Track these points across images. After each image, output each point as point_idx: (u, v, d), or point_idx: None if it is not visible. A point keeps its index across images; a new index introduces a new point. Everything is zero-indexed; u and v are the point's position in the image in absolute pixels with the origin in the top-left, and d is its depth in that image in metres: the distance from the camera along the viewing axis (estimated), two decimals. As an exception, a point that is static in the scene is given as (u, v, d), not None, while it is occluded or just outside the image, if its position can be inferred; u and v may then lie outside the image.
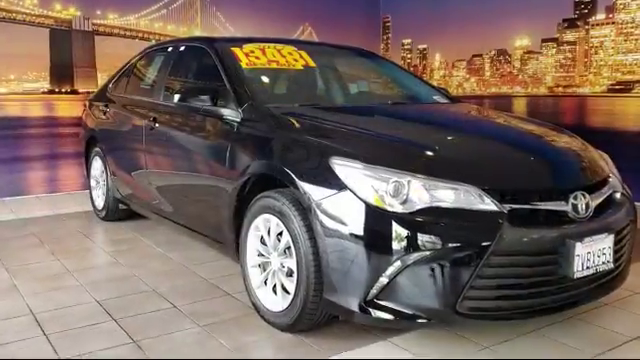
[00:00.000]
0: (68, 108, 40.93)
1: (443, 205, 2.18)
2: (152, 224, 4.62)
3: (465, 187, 2.20)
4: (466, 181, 2.22)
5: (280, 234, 2.60)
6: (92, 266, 3.64)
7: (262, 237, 2.74)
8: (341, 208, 2.27)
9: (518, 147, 2.67)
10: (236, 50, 3.44)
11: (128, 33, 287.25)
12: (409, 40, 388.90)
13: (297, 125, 2.72)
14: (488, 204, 2.19)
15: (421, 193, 2.19)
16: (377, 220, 2.19)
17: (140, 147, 3.92)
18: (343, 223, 2.26)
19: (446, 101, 3.65)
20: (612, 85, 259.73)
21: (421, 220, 2.16)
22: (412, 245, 2.14)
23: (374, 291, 2.20)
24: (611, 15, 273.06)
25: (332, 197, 2.30)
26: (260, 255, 2.76)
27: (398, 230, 2.15)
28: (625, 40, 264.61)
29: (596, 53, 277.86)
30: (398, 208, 2.18)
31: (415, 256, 2.13)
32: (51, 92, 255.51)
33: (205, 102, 3.07)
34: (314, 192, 2.36)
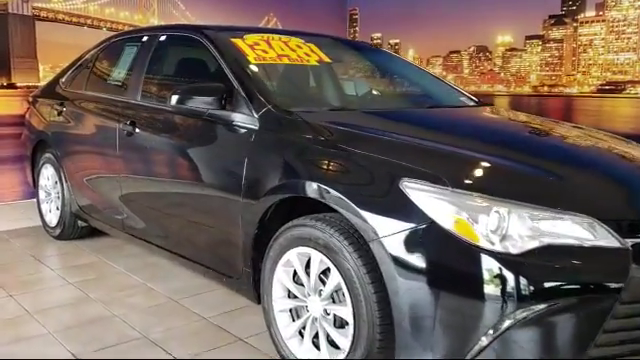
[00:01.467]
0: (4, 105, 36.42)
1: (557, 242, 1.73)
2: (116, 243, 3.95)
3: (581, 218, 1.76)
4: (581, 211, 1.77)
5: (324, 272, 2.07)
6: (57, 304, 2.96)
7: (295, 274, 2.20)
8: (422, 245, 1.78)
9: (622, 166, 2.26)
10: (238, 42, 2.86)
11: (75, 19, 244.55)
12: (379, 34, 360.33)
13: (344, 136, 2.19)
14: (610, 239, 1.75)
15: (529, 227, 1.73)
16: (475, 261, 1.71)
17: (112, 155, 3.26)
18: (425, 265, 1.76)
19: (473, 104, 3.21)
20: (602, 85, 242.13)
21: (532, 262, 1.69)
22: (522, 295, 1.67)
23: (474, 351, 1.71)
24: (601, 12, 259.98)
25: (408, 231, 1.80)
26: (292, 297, 2.23)
27: (504, 274, 1.68)
28: (617, 39, 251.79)
29: (585, 51, 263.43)
30: (502, 246, 1.71)
31: (527, 309, 1.67)
32: None
33: (210, 105, 2.48)
34: (381, 223, 1.84)
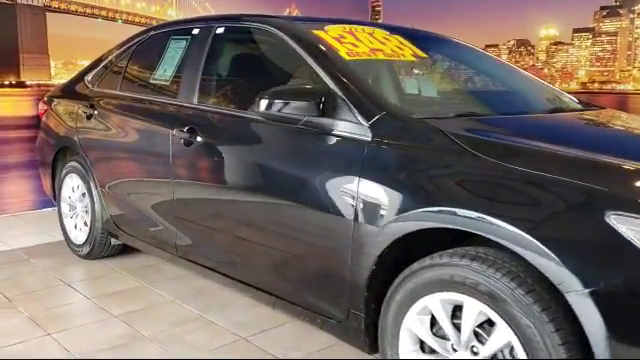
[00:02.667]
0: (13, 106, 33.88)
1: None
2: (152, 263, 3.48)
3: None
4: None
5: (481, 326, 1.65)
6: (106, 344, 2.49)
7: (433, 323, 1.77)
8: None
9: None
10: (321, 34, 2.41)
11: (89, 11, 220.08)
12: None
13: (506, 151, 1.75)
14: None
15: None
16: None
17: (162, 166, 2.79)
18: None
19: (580, 106, 2.79)
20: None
21: None
22: None
23: None
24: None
25: (627, 281, 1.38)
26: (428, 351, 1.80)
27: None
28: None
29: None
30: None
31: None
32: None
33: (307, 111, 2.04)
34: (585, 269, 1.42)
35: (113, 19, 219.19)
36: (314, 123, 2.05)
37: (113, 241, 3.47)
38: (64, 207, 3.74)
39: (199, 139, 2.56)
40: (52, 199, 3.98)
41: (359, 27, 2.61)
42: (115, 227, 3.32)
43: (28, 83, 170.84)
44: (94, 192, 3.39)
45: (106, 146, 3.27)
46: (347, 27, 2.56)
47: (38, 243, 3.94)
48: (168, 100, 2.89)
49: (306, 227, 2.08)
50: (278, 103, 2.04)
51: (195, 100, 2.72)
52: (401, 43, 2.58)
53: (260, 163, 2.26)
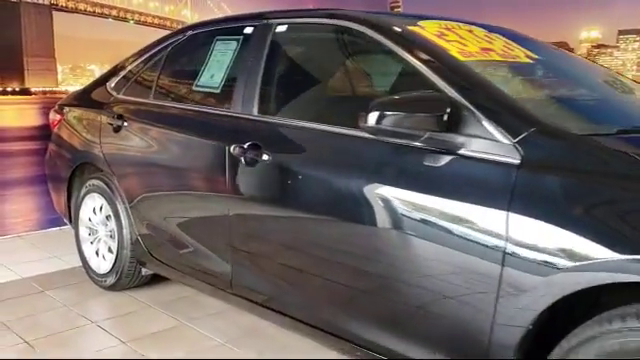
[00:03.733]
0: (15, 115, 31.66)
1: None
2: (185, 294, 3.06)
3: None
4: None
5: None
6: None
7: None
8: None
9: None
10: (420, 31, 2.02)
11: (98, 10, 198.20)
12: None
13: None
14: None
15: None
16: None
17: (216, 188, 2.38)
18: None
19: None
20: None
21: None
22: None
23: None
24: None
25: None
26: None
27: None
28: None
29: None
30: None
31: None
32: None
33: (429, 126, 1.64)
34: None
35: (124, 19, 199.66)
36: (438, 140, 1.65)
37: (144, 271, 3.03)
38: (82, 231, 3.29)
39: (266, 157, 2.14)
40: (67, 220, 3.53)
41: (454, 23, 2.22)
42: (148, 255, 2.88)
43: (33, 90, 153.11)
44: (122, 215, 2.96)
45: (139, 163, 2.84)
46: (442, 23, 2.17)
47: (50, 270, 3.48)
48: (219, 111, 2.48)
49: (430, 271, 1.68)
50: (392, 116, 1.64)
51: (255, 111, 2.31)
52: (507, 43, 2.20)
53: (360, 189, 1.84)
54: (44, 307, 2.94)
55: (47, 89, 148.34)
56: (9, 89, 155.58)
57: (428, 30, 2.04)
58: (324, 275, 2.02)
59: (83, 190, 3.23)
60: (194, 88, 2.68)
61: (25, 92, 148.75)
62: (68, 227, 4.40)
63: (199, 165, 2.50)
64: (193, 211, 2.57)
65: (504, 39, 2.22)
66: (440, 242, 1.63)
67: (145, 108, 2.89)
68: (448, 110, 1.62)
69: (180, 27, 2.98)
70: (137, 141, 2.84)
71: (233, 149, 2.27)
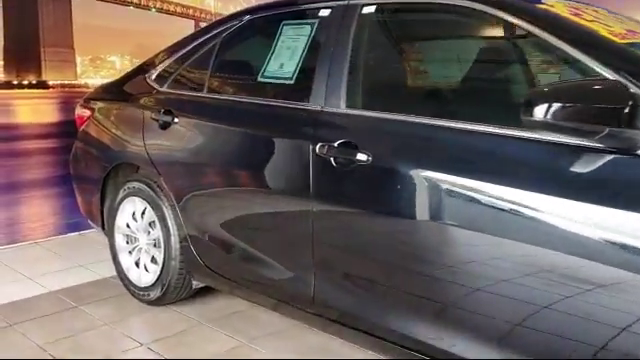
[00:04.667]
0: (32, 111, 28.99)
1: None
2: (237, 308, 2.76)
3: None
4: None
5: None
6: None
7: None
8: None
9: None
10: (554, 10, 1.74)
11: None
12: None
13: None
14: None
15: None
16: None
17: (296, 193, 2.08)
18: None
19: None
20: None
21: None
22: None
23: None
24: None
25: None
26: None
27: None
28: None
29: None
30: None
31: None
32: (6, 85, 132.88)
33: (606, 120, 1.35)
34: None
35: (146, 7, 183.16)
36: (621, 138, 1.36)
37: (195, 283, 2.72)
38: (119, 239, 2.97)
39: (363, 158, 1.84)
40: (97, 227, 3.20)
41: (573, 2, 1.94)
42: (203, 266, 2.57)
43: (51, 83, 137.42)
44: (170, 221, 2.65)
45: (194, 163, 2.52)
46: (565, 2, 1.89)
47: (80, 282, 3.16)
48: (295, 104, 2.18)
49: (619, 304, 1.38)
50: (566, 108, 1.35)
51: (342, 104, 2.01)
52: (631, 26, 1.92)
53: (504, 200, 1.53)
54: (83, 326, 2.62)
55: (65, 82, 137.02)
56: (25, 82, 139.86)
57: (561, 10, 1.75)
58: (440, 299, 1.72)
59: (120, 193, 2.91)
60: (259, 79, 2.37)
61: (42, 85, 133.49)
62: (88, 232, 4.09)
63: (271, 166, 2.19)
64: (263, 218, 2.26)
65: (627, 21, 1.94)
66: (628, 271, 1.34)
67: (199, 102, 2.57)
68: (630, 102, 1.34)
69: (233, 12, 2.66)
70: (191, 139, 2.53)
71: (320, 148, 1.97)
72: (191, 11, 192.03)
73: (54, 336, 2.51)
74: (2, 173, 7.57)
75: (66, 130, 13.78)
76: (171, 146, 2.61)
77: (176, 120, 2.58)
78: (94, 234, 4.03)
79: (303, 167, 2.03)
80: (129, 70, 3.14)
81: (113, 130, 2.97)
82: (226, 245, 2.43)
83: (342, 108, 2.00)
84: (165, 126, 2.62)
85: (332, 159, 1.93)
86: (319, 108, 2.06)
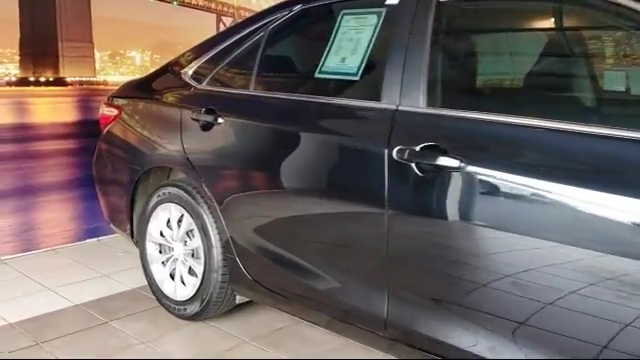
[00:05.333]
0: (50, 110, 27.57)
1: None
2: (281, 324, 2.54)
3: None
4: None
5: None
6: None
7: None
8: None
9: None
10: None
11: None
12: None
13: None
14: None
15: None
16: None
17: (367, 204, 1.86)
18: None
19: None
20: None
21: None
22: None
23: None
24: None
25: None
26: None
27: None
28: None
29: None
30: None
31: None
32: (22, 82, 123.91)
33: None
34: None
35: (167, 0, 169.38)
36: None
37: (239, 298, 2.50)
38: (151, 248, 2.74)
39: (454, 164, 1.62)
40: (124, 234, 2.98)
41: None
42: (250, 280, 2.35)
43: (69, 80, 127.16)
44: (212, 231, 2.42)
45: (243, 168, 2.30)
46: None
47: (106, 294, 2.94)
48: (362, 103, 1.96)
49: None
50: None
51: (422, 102, 1.79)
52: None
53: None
54: (117, 344, 2.40)
55: (84, 79, 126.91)
56: (42, 79, 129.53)
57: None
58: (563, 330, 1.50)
59: (153, 199, 2.69)
60: (317, 75, 2.14)
61: (60, 82, 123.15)
62: (107, 237, 3.87)
63: (335, 171, 1.98)
64: (324, 230, 2.04)
65: None
66: None
67: (246, 101, 2.35)
68: None
69: (281, 2, 2.42)
70: (239, 141, 2.31)
71: (398, 152, 1.75)
72: (213, 5, 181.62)
73: (86, 355, 2.30)
74: (18, 176, 7.27)
75: (84, 130, 13.29)
76: (215, 149, 2.39)
77: (220, 120, 2.35)
78: (112, 240, 3.82)
79: (375, 172, 1.81)
80: (160, 66, 2.92)
81: (145, 131, 2.75)
82: (280, 258, 2.20)
83: (422, 107, 1.79)
84: (207, 127, 2.40)
85: (413, 165, 1.72)
86: (393, 107, 1.84)
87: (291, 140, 2.14)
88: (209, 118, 2.39)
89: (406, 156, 1.73)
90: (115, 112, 2.95)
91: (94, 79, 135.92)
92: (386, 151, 1.78)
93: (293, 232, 2.16)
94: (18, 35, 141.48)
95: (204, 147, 2.44)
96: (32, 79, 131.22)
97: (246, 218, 2.29)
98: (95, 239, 3.86)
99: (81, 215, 4.61)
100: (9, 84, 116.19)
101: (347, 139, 1.96)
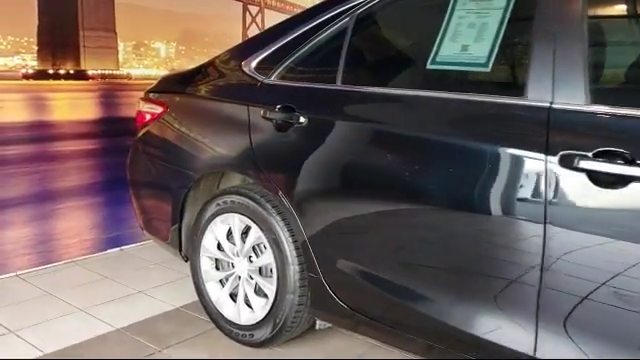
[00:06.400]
0: (70, 106, 25.26)
1: None
2: (358, 349, 2.23)
3: None
4: None
5: None
6: None
7: None
8: None
9: None
10: None
11: None
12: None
13: None
14: None
15: None
16: None
17: (514, 218, 1.56)
18: None
19: None
20: None
21: None
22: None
23: None
24: None
25: None
26: None
27: None
28: None
29: None
30: None
31: None
32: (40, 75, 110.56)
33: None
34: None
35: None
36: None
37: (319, 324, 2.18)
38: (206, 264, 2.40)
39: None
40: (169, 247, 2.63)
41: None
42: (337, 303, 2.02)
43: (90, 73, 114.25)
44: (287, 247, 2.09)
45: (334, 176, 1.97)
46: None
47: (148, 315, 2.58)
48: (498, 99, 1.65)
49: None
50: None
51: (583, 99, 1.49)
52: None
53: None
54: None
55: (107, 72, 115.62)
56: (62, 72, 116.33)
57: None
58: None
59: (210, 208, 2.34)
60: (429, 67, 1.83)
61: (81, 75, 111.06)
62: (129, 247, 3.51)
63: (469, 181, 1.66)
64: (451, 253, 1.73)
65: None
66: None
67: (335, 97, 2.02)
68: None
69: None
70: (328, 144, 1.97)
71: (563, 159, 1.45)
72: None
73: (150, 397, 1.95)
74: (34, 180, 6.70)
75: (106, 129, 12.41)
76: (296, 152, 2.05)
77: (302, 120, 2.02)
78: (136, 249, 3.47)
79: (528, 183, 1.51)
80: (213, 57, 2.56)
81: (201, 131, 2.40)
82: (384, 282, 1.88)
83: (585, 104, 1.49)
84: (283, 127, 2.06)
85: (585, 173, 1.42)
86: (546, 104, 1.54)
87: (399, 143, 1.82)
88: (286, 117, 2.05)
89: (575, 163, 1.43)
90: (159, 109, 2.59)
91: (117, 72, 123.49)
92: (545, 156, 1.48)
93: (408, 253, 1.84)
94: (36, 23, 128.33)
95: (281, 150, 2.10)
96: (51, 71, 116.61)
97: (340, 234, 1.97)
98: (117, 249, 3.49)
99: (101, 223, 4.19)
100: (26, 77, 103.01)
101: (481, 143, 1.65)
